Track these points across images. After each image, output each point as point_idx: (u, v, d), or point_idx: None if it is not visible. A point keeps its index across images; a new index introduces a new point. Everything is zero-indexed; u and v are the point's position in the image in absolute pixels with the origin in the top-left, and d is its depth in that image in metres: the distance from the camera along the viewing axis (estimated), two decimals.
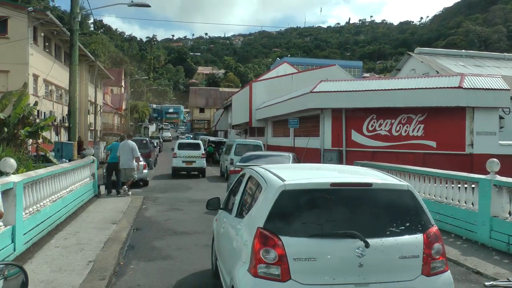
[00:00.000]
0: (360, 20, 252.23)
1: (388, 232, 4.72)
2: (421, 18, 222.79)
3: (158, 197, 18.83)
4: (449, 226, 11.58)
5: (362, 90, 25.38)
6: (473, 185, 11.16)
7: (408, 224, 4.84)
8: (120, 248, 9.59)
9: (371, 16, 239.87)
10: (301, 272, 4.49)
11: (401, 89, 24.03)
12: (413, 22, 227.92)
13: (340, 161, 25.59)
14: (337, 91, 26.15)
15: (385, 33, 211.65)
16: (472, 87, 22.13)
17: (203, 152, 29.33)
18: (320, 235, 4.59)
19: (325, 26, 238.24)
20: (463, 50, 38.33)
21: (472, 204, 11.13)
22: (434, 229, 4.91)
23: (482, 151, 21.87)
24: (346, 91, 25.91)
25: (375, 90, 24.97)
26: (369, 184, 5.02)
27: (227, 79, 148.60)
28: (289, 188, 4.83)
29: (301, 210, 4.83)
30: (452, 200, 11.94)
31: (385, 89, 24.64)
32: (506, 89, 22.38)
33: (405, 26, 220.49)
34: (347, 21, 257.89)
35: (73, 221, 12.51)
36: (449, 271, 4.90)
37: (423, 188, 13.21)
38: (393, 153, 23.75)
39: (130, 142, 18.69)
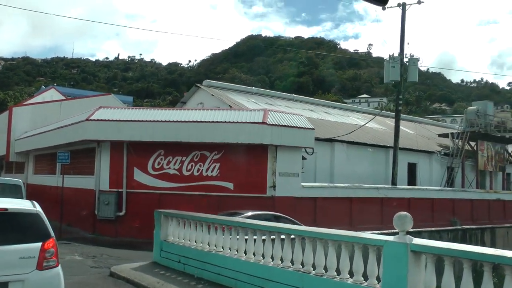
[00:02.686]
0: (129, 57, 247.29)
1: (15, 241, 7.14)
2: (189, 61, 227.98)
3: None
4: None
5: (149, 121, 21.40)
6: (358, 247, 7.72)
7: (33, 235, 7.31)
8: None
9: (140, 54, 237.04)
10: None
11: (195, 121, 20.81)
12: (181, 64, 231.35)
13: (119, 205, 21.32)
14: (120, 120, 21.70)
15: (154, 72, 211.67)
16: (277, 123, 20.13)
17: None
18: None
19: (93, 59, 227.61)
20: (253, 88, 37.47)
21: (365, 276, 7.51)
22: (51, 239, 7.38)
23: (284, 193, 20.02)
24: (130, 120, 21.58)
25: (163, 121, 21.27)
26: (5, 209, 7.45)
27: None
28: None
29: None
30: (325, 270, 8.16)
31: (176, 121, 21.14)
32: (311, 128, 21.03)
33: (174, 67, 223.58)
34: (117, 56, 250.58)
35: None
36: (59, 266, 7.46)
37: (270, 252, 9.18)
38: (183, 196, 20.41)
39: None
